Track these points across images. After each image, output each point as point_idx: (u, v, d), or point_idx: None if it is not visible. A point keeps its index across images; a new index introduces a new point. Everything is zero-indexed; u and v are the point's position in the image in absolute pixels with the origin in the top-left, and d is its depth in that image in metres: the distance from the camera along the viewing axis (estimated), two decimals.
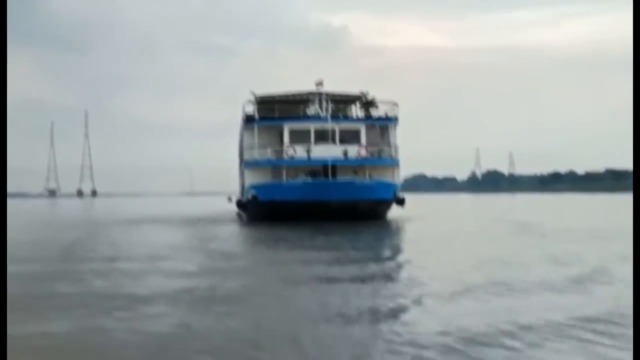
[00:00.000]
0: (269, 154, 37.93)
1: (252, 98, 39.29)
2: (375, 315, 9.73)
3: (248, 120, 39.05)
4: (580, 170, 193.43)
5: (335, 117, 38.29)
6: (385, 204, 37.08)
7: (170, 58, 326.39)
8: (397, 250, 21.49)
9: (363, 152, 37.69)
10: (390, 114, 39.37)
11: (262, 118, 38.63)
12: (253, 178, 38.09)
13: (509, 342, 7.96)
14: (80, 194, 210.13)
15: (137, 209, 70.12)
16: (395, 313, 9.98)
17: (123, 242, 23.86)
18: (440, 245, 22.53)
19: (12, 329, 8.20)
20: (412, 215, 40.53)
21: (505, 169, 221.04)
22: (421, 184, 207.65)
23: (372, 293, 11.82)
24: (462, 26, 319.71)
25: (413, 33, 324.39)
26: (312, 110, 39.68)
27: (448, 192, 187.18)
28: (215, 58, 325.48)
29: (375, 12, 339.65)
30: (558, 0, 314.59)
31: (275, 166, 37.55)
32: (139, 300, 11.05)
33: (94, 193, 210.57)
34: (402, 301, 10.85)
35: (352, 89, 41.02)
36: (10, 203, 72.45)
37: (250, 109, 39.28)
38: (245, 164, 39.58)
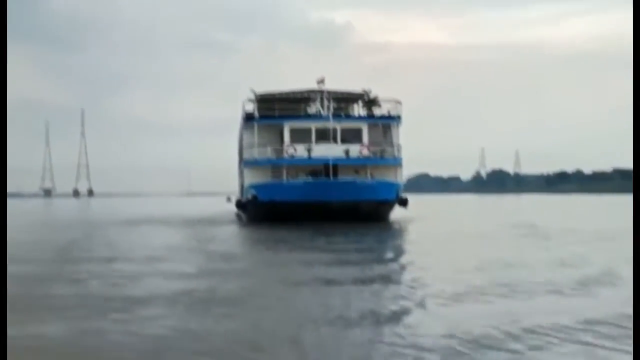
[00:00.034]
0: (269, 153, 37.95)
1: (252, 96, 39.29)
2: (377, 318, 9.76)
3: (248, 118, 39.06)
4: (588, 169, 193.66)
5: (336, 115, 38.28)
6: (388, 205, 37.05)
7: (168, 55, 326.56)
8: (399, 252, 21.53)
9: (365, 152, 37.67)
10: (393, 113, 39.35)
11: (262, 116, 38.62)
12: (253, 178, 38.11)
13: (513, 345, 8.00)
14: (76, 193, 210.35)
15: (134, 209, 70.17)
16: (397, 315, 10.01)
17: (120, 243, 23.91)
18: (443, 247, 22.56)
19: (8, 330, 8.24)
20: (415, 216, 40.56)
21: (510, 168, 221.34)
22: (424, 184, 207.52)
23: (374, 295, 11.87)
24: (465, 23, 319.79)
25: (416, 30, 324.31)
26: (313, 108, 39.72)
27: (452, 193, 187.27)
28: (214, 55, 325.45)
29: (378, 8, 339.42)
30: None
31: (275, 166, 37.56)
32: (137, 302, 11.10)
33: (90, 193, 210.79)
34: (405, 303, 10.89)
35: (355, 86, 41.00)
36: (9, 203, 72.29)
37: (250, 107, 39.28)
38: (245, 163, 39.61)
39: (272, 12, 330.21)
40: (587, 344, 8.09)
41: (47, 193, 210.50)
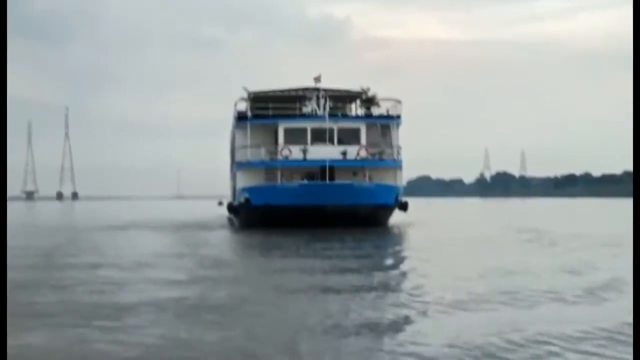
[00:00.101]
0: (262, 154, 37.96)
1: (244, 94, 39.37)
2: (376, 326, 9.83)
3: (240, 118, 39.07)
4: (597, 172, 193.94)
5: (333, 115, 38.34)
6: (387, 209, 37.09)
7: (157, 51, 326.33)
8: (398, 258, 21.61)
9: (363, 153, 37.71)
10: (392, 112, 39.38)
11: (255, 116, 38.63)
12: (245, 180, 38.13)
13: (515, 355, 8.08)
14: (60, 196, 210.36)
15: (121, 213, 70.17)
16: (397, 323, 10.09)
17: (107, 249, 23.96)
18: (444, 253, 22.65)
19: None
20: (415, 220, 40.66)
21: (516, 171, 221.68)
22: (426, 186, 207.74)
23: (373, 303, 11.94)
24: (469, 17, 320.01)
25: (419, 25, 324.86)
26: (308, 108, 39.67)
27: (455, 196, 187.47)
28: (206, 51, 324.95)
29: (378, 2, 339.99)
30: None
31: (269, 167, 37.55)
32: (124, 309, 11.16)
33: (74, 196, 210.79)
34: (405, 311, 10.97)
35: (354, 85, 41.03)
36: None
37: (243, 107, 39.30)
38: (237, 165, 39.64)
39: (267, 6, 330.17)
40: (590, 353, 8.18)
41: (29, 196, 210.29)
